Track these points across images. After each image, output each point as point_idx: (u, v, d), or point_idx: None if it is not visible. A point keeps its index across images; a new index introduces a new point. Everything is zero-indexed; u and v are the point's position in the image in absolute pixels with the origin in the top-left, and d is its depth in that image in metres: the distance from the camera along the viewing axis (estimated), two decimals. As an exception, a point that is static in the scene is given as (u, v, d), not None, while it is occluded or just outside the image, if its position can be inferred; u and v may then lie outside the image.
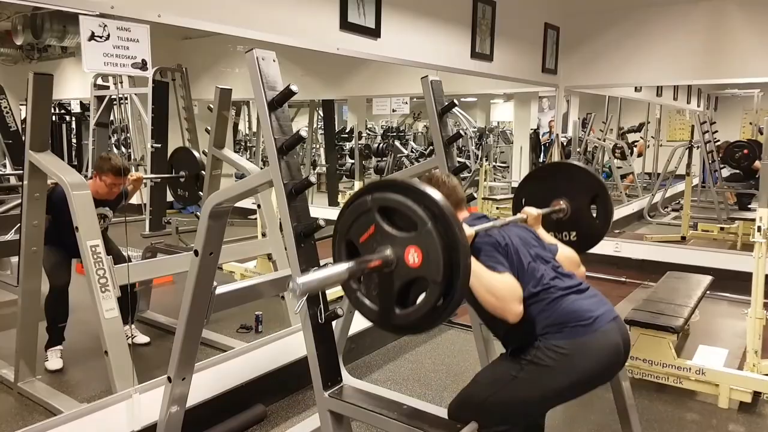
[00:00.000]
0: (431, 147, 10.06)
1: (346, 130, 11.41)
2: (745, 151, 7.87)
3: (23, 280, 2.90)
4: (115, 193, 3.34)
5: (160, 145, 6.68)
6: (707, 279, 3.89)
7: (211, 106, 3.68)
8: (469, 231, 1.75)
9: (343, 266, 1.44)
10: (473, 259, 1.68)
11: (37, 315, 3.08)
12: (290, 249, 1.79)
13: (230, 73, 7.27)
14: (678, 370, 3.12)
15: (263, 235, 3.90)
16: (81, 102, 9.88)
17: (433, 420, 1.62)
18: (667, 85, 8.56)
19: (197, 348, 2.26)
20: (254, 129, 11.32)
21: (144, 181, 6.45)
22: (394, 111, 6.52)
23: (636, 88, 7.69)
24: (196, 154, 4.08)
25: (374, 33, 3.35)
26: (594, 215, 2.44)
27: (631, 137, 11.67)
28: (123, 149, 8.00)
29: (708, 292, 3.87)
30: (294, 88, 1.77)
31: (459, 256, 1.37)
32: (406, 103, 6.39)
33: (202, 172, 3.89)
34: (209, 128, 3.72)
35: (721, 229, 7.10)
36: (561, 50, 5.55)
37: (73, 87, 8.72)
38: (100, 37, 2.15)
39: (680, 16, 5.04)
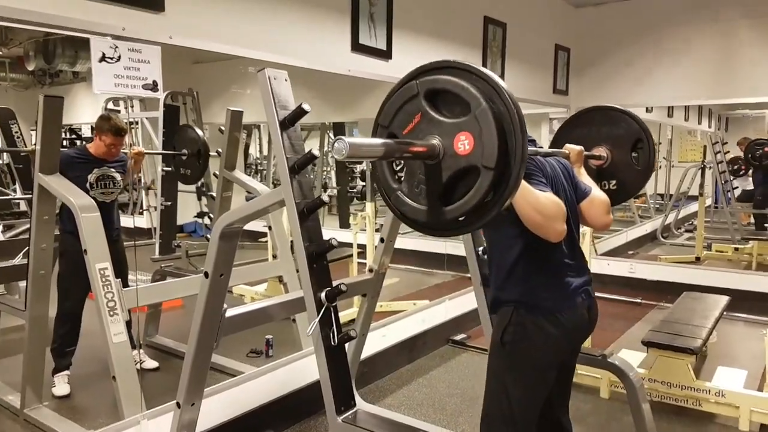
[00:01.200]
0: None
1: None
2: (766, 149, 7.80)
3: (31, 304, 2.87)
4: (114, 154, 3.31)
5: (170, 168, 6.69)
6: (724, 299, 3.80)
7: (222, 128, 3.68)
8: None
9: (380, 141, 1.33)
10: None
11: (45, 340, 3.05)
12: (302, 270, 1.75)
13: (241, 95, 7.32)
14: (697, 392, 3.03)
15: (274, 257, 3.87)
16: (92, 127, 10.00)
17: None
18: (677, 106, 8.53)
19: (207, 373, 2.21)
20: (265, 152, 11.36)
21: (153, 189, 6.40)
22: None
23: (647, 108, 7.66)
24: (198, 131, 4.05)
25: (385, 54, 3.36)
26: (636, 163, 2.31)
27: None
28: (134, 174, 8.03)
29: (725, 313, 3.79)
30: (306, 107, 1.76)
31: (516, 140, 1.26)
32: (417, 123, 6.37)
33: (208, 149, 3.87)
34: (220, 150, 3.71)
35: (736, 249, 7.02)
36: (572, 71, 5.56)
37: (84, 112, 8.82)
38: (111, 59, 2.15)
39: (691, 37, 5.04)
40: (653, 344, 3.09)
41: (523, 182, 1.64)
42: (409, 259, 6.44)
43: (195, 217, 7.01)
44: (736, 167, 8.45)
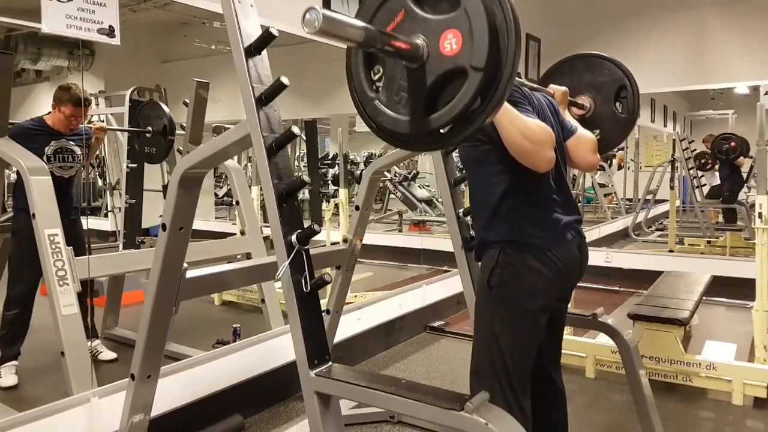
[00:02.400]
0: (414, 171, 9.96)
1: (329, 156, 11.30)
2: (732, 143, 7.91)
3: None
4: (74, 126, 3.11)
5: (135, 165, 6.44)
6: (706, 276, 3.74)
7: (187, 101, 3.49)
8: None
9: (362, 24, 1.18)
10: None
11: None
12: (271, 210, 1.59)
13: (210, 95, 7.13)
14: (687, 367, 2.94)
15: (242, 233, 3.67)
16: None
17: (438, 393, 1.40)
18: (643, 106, 8.62)
19: (165, 342, 2.01)
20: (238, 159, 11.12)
21: (117, 189, 6.11)
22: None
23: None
24: (164, 107, 3.84)
25: (357, 24, 3.23)
26: (619, 111, 2.23)
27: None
28: (97, 171, 7.74)
29: (704, 297, 3.73)
30: (274, 31, 1.61)
31: (509, 40, 1.14)
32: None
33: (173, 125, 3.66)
34: (184, 124, 3.52)
35: (708, 242, 7.06)
36: (543, 62, 5.52)
37: (46, 111, 8.48)
38: (62, -2, 1.97)
39: (662, 25, 5.05)
40: (639, 317, 3.00)
41: (510, 107, 1.53)
42: (384, 254, 6.29)
43: (160, 216, 6.77)
44: (702, 161, 8.57)
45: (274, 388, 2.83)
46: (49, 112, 3.10)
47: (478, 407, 1.29)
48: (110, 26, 2.11)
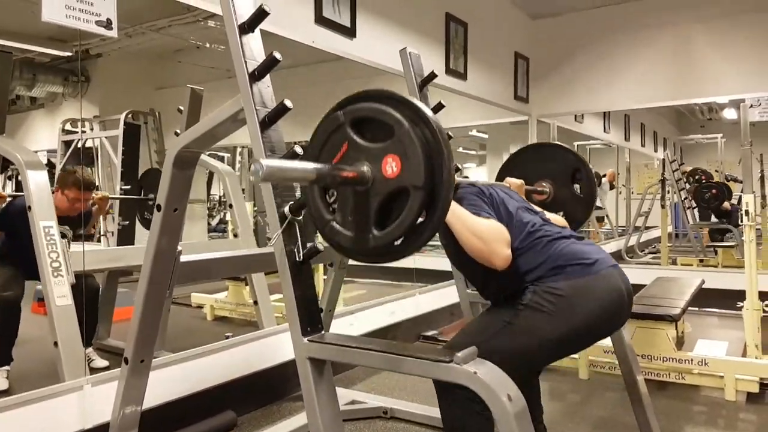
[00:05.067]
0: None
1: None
2: (714, 191, 8.02)
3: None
4: (78, 209, 3.12)
5: (129, 187, 6.48)
6: (697, 280, 3.77)
7: (181, 108, 3.55)
8: None
9: (312, 165, 1.31)
10: (455, 204, 1.59)
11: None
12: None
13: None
14: (679, 363, 2.94)
15: (235, 236, 3.69)
16: (48, 161, 9.67)
17: (428, 349, 1.42)
18: (634, 131, 8.79)
19: (158, 326, 2.03)
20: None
21: (110, 213, 6.12)
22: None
23: (605, 128, 7.87)
24: None
25: (349, 32, 3.33)
26: (578, 192, 2.38)
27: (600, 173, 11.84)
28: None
29: (697, 308, 3.76)
30: (267, 8, 1.67)
31: (442, 158, 1.26)
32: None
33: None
34: (179, 131, 3.57)
35: (701, 261, 7.10)
36: (532, 80, 5.65)
37: (41, 138, 8.54)
38: (62, -12, 2.04)
39: (647, 41, 5.20)
40: (631, 314, 2.99)
41: (461, 208, 1.62)
42: (377, 273, 6.29)
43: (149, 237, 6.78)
44: (697, 177, 8.66)
45: (268, 387, 2.81)
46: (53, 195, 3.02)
47: (466, 358, 1.32)
48: (108, 19, 2.17)
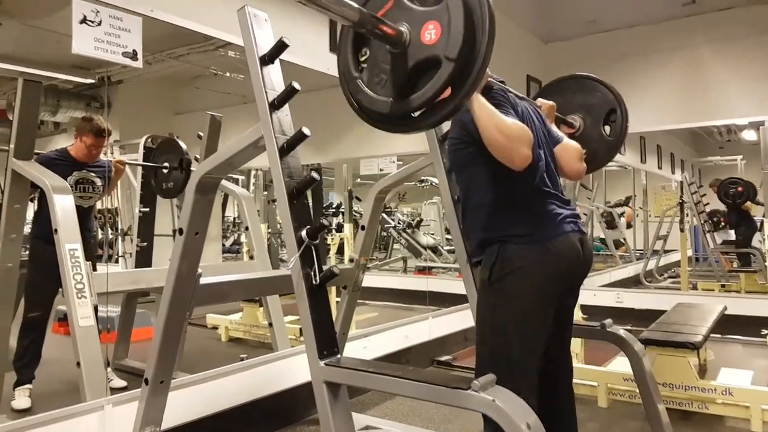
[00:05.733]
0: (418, 218, 10.02)
1: (333, 206, 11.46)
2: (740, 188, 7.92)
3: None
4: (94, 156, 3.25)
5: (148, 209, 6.59)
6: (719, 306, 3.71)
7: (201, 134, 3.65)
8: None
9: (357, 5, 1.30)
10: (484, 99, 1.61)
11: (6, 350, 2.85)
12: (282, 207, 1.66)
13: (220, 146, 7.35)
14: (702, 393, 2.88)
15: (251, 257, 3.73)
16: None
17: (444, 376, 1.42)
18: (650, 153, 8.73)
19: (178, 347, 2.05)
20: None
21: (129, 235, 6.19)
22: (381, 170, 6.55)
23: (621, 150, 7.84)
24: (181, 144, 3.98)
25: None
26: (607, 134, 2.32)
27: (619, 210, 11.76)
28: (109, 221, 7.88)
29: (720, 335, 3.67)
30: (287, 41, 1.72)
31: (483, 33, 1.25)
32: (393, 162, 6.43)
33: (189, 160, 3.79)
34: (198, 156, 3.66)
35: (723, 286, 6.96)
36: (546, 104, 5.67)
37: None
38: (92, 22, 2.13)
39: (659, 65, 5.21)
40: (651, 341, 2.96)
41: (489, 105, 1.63)
42: (389, 296, 6.30)
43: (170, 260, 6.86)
44: (715, 219, 8.52)
45: (282, 410, 2.81)
46: (73, 144, 3.22)
47: (485, 386, 1.31)
48: (134, 50, 2.26)
